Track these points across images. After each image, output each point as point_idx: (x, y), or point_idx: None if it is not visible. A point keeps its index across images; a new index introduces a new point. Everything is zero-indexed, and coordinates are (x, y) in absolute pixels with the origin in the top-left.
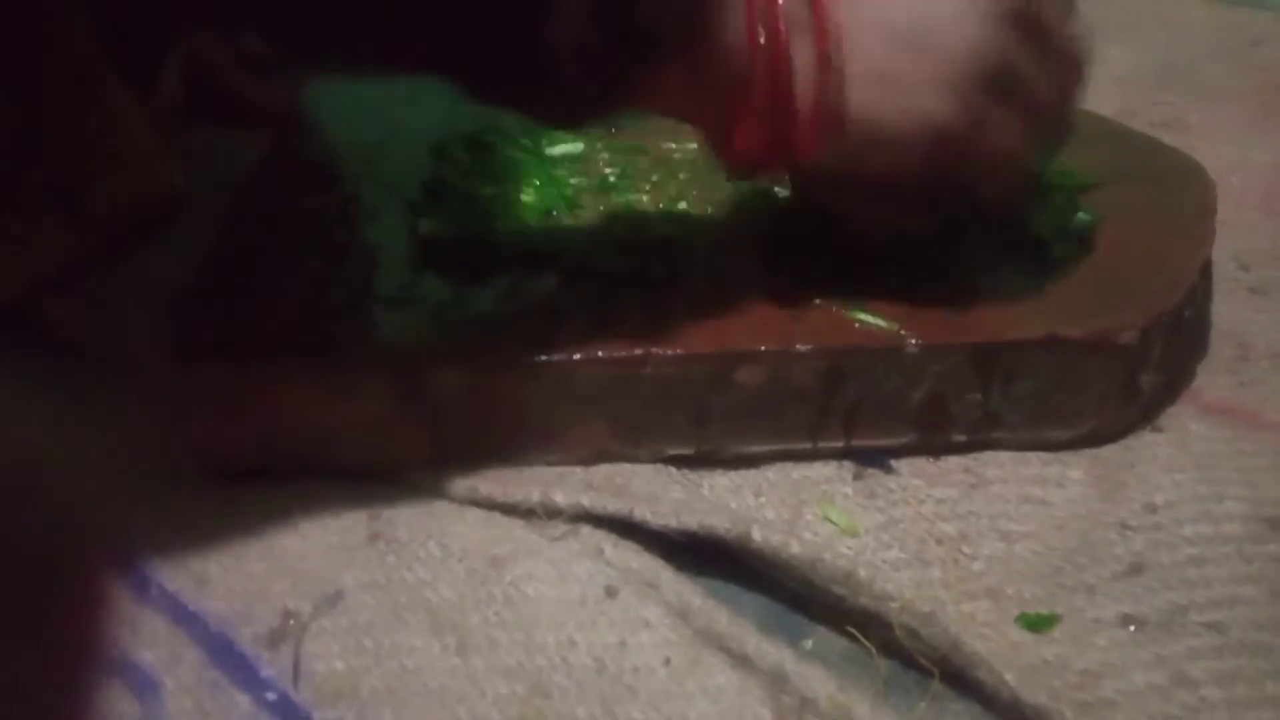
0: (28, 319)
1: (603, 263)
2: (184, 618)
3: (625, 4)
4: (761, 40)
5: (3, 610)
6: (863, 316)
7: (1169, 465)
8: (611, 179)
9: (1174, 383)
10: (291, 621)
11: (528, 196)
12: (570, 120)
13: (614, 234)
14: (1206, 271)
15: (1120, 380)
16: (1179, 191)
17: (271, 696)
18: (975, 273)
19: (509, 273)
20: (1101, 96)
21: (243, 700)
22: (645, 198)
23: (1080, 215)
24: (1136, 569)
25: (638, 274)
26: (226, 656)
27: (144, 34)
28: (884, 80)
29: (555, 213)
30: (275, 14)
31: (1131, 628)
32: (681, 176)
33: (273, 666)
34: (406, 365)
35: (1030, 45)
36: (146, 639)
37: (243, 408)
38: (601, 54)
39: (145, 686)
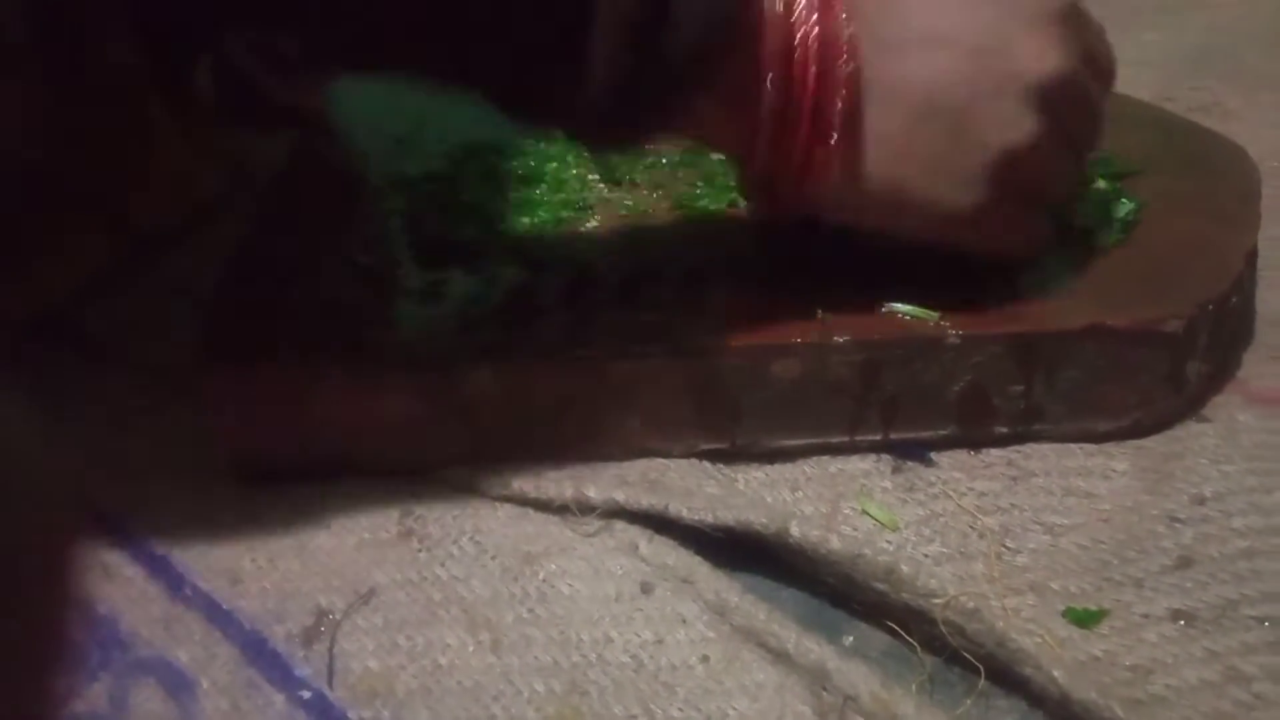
0: (64, 325)
1: (620, 261)
2: (218, 617)
3: (656, 33)
4: (769, 85)
5: None
6: (901, 307)
7: (1216, 456)
8: (632, 177)
9: (1220, 372)
10: (325, 619)
11: (545, 197)
12: (604, 144)
13: (631, 232)
14: (1252, 258)
15: (1166, 370)
16: (1222, 177)
17: (307, 695)
18: (1016, 262)
19: (529, 272)
20: (1139, 82)
21: (278, 699)
22: (660, 195)
23: (1123, 203)
24: (1185, 562)
25: (658, 272)
26: (261, 655)
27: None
28: (905, 155)
29: (572, 213)
30: (317, 22)
31: (1181, 622)
32: (700, 180)
33: (307, 665)
34: (438, 363)
35: (1060, 132)
36: (181, 638)
37: (274, 408)
38: (634, 82)
39: (180, 685)
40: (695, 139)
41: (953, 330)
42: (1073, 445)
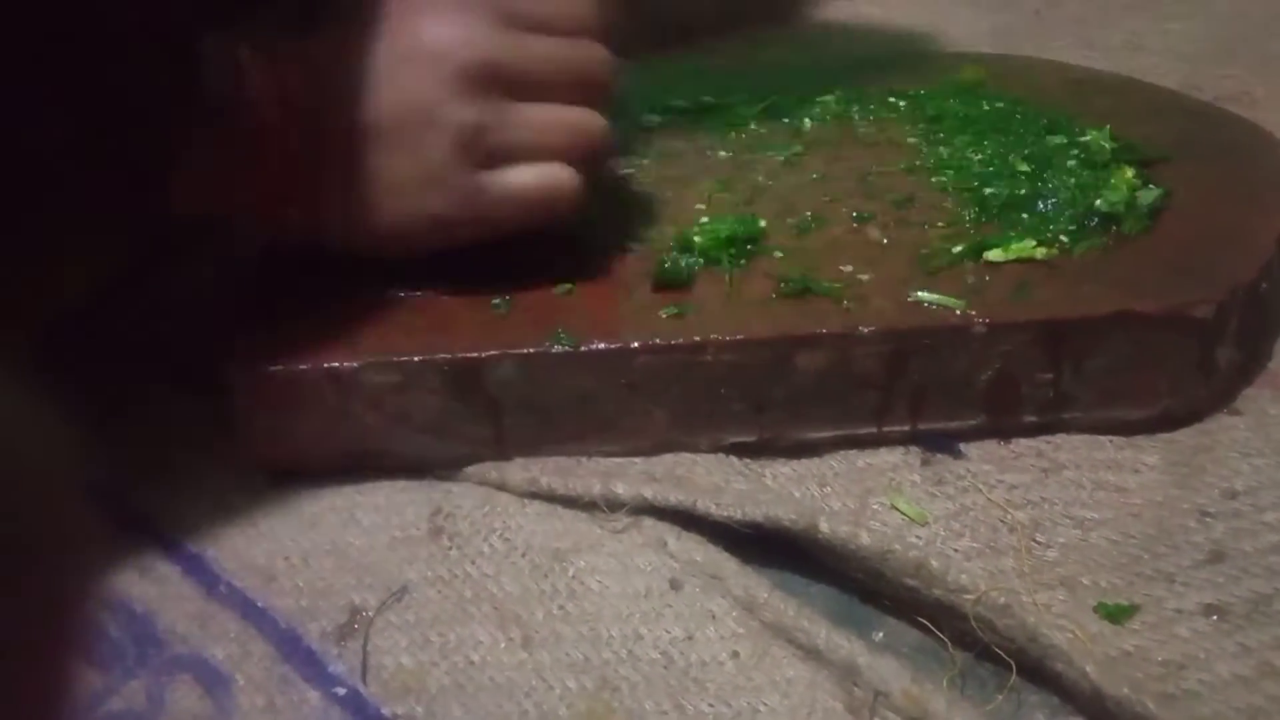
0: (92, 324)
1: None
2: (253, 614)
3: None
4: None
5: None
6: (926, 296)
7: (1248, 449)
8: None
9: (1250, 363)
10: (359, 617)
11: None
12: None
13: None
14: None
15: (1196, 356)
16: (1251, 163)
17: (341, 692)
18: (1040, 249)
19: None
20: (1166, 71)
21: (313, 696)
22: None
23: (1149, 190)
24: (1217, 557)
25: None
26: (295, 652)
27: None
28: (374, 184)
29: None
30: None
31: (1214, 617)
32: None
33: (341, 662)
34: (464, 360)
35: (507, 103)
36: (217, 636)
37: (302, 407)
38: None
39: (216, 682)
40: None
41: (980, 319)
42: (1103, 438)
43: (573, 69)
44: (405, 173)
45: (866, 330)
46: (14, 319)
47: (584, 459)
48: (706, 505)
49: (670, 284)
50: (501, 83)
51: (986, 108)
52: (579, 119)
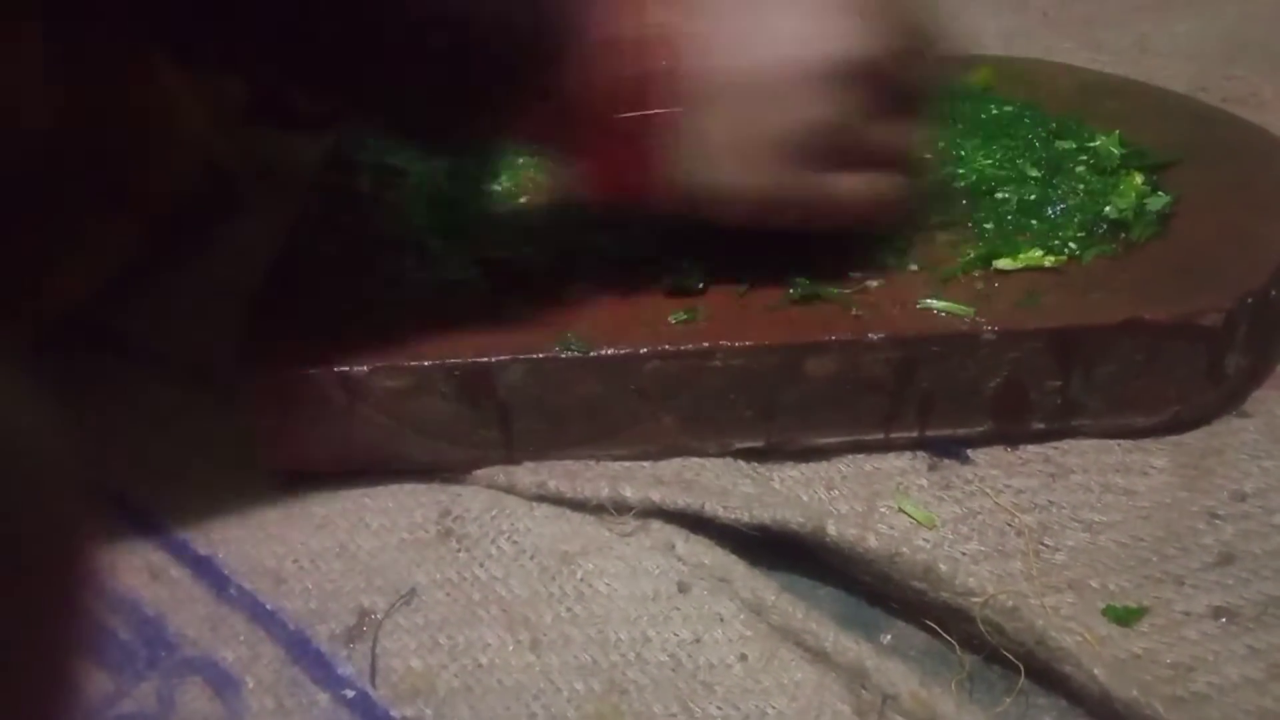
0: (99, 324)
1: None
2: (262, 616)
3: (481, 39)
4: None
5: None
6: (935, 304)
7: (1256, 452)
8: None
9: (1259, 366)
10: (368, 619)
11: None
12: (439, 147)
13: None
14: None
15: (1205, 364)
16: (1260, 168)
17: (350, 694)
18: (1049, 257)
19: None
20: (1173, 73)
21: (322, 698)
22: None
23: (1157, 196)
24: (1227, 559)
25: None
26: (305, 654)
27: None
28: (728, 148)
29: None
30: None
31: (1223, 620)
32: None
33: (350, 664)
34: (475, 364)
35: (869, 103)
36: (226, 638)
37: (312, 410)
38: (461, 87)
39: (226, 685)
40: (529, 140)
41: (989, 326)
42: (1111, 441)
43: (915, 86)
44: (762, 132)
45: (875, 337)
46: (21, 316)
47: (592, 463)
48: (714, 508)
49: (681, 290)
50: (870, 90)
51: (996, 111)
52: (911, 133)
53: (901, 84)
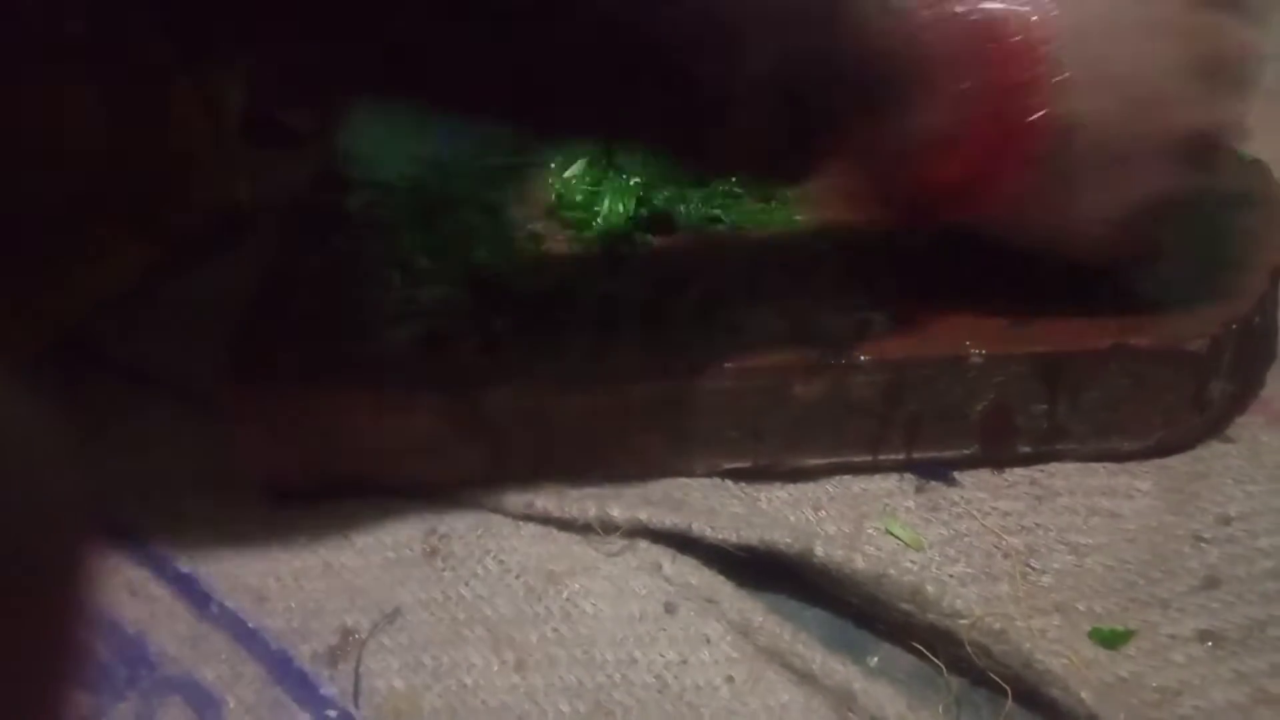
0: (90, 341)
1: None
2: (244, 635)
3: (807, 87)
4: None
5: None
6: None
7: (1241, 476)
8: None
9: (1243, 392)
10: (351, 639)
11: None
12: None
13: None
14: (1276, 277)
15: (1190, 389)
16: (1245, 195)
17: (333, 714)
18: (1037, 281)
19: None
20: None
21: (304, 718)
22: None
23: None
24: (1212, 583)
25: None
26: (287, 674)
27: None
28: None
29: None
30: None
31: (1209, 643)
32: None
33: (333, 684)
34: (462, 383)
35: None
36: (208, 656)
37: (299, 428)
38: (802, 128)
39: (207, 704)
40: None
41: (975, 350)
42: (1096, 464)
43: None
44: (1151, 136)
45: (863, 360)
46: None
47: (579, 482)
48: (702, 528)
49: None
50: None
51: None
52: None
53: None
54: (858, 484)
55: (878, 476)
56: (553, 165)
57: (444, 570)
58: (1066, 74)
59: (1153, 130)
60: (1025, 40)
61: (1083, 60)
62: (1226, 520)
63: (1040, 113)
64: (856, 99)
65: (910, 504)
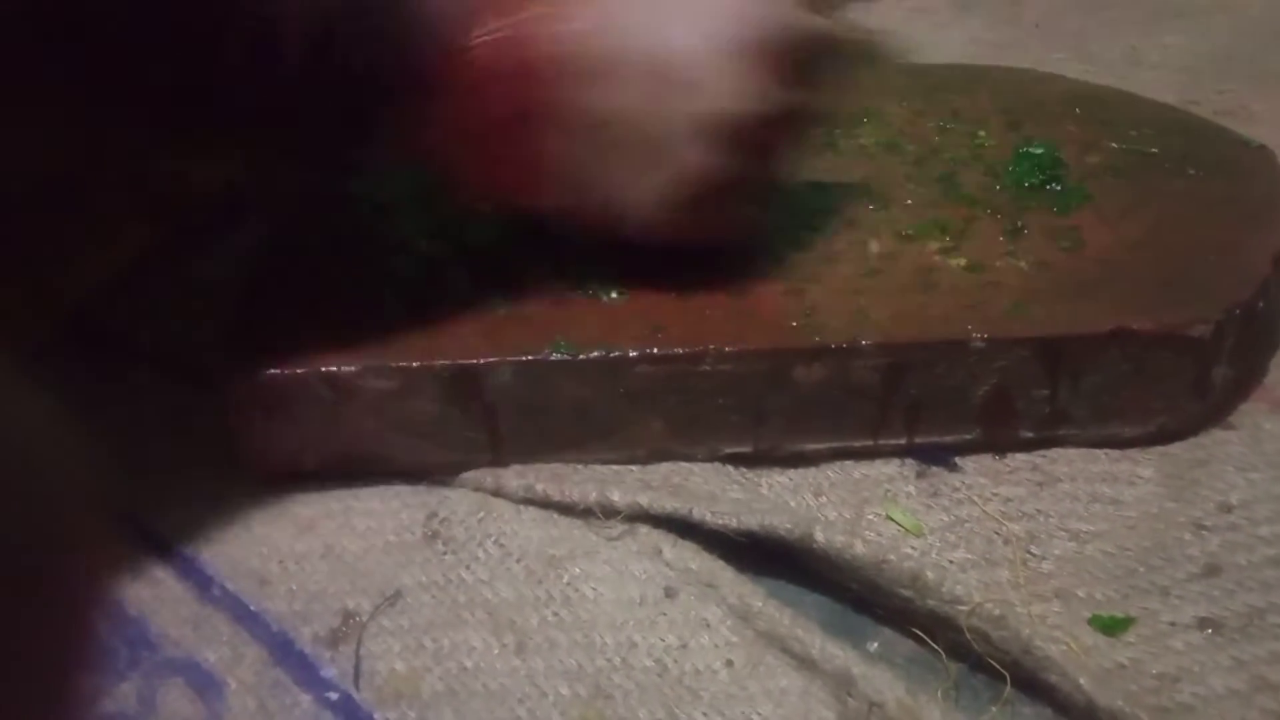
0: (90, 324)
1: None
2: (246, 618)
3: (344, 61)
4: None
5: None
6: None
7: (1242, 464)
8: None
9: (1245, 378)
10: (352, 621)
11: None
12: (328, 164)
13: None
14: (1279, 262)
15: (1192, 375)
16: (1249, 180)
17: (333, 696)
18: (1035, 266)
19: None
20: (1164, 85)
21: (305, 700)
22: None
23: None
24: (1212, 570)
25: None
26: (288, 656)
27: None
28: (591, 175)
29: None
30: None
31: (1209, 630)
32: None
33: (334, 666)
34: (462, 366)
35: (736, 160)
36: (209, 639)
37: (299, 411)
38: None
39: (208, 686)
40: (420, 153)
41: (977, 334)
42: (1098, 451)
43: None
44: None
45: (865, 343)
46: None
47: (580, 466)
48: (702, 513)
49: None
50: (739, 144)
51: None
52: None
53: (768, 142)
54: (858, 469)
55: (878, 462)
56: None
57: (445, 553)
58: (589, 63)
59: (675, 116)
60: (550, 30)
61: (605, 48)
62: (1228, 508)
63: (564, 103)
64: (400, 62)
65: (911, 489)
